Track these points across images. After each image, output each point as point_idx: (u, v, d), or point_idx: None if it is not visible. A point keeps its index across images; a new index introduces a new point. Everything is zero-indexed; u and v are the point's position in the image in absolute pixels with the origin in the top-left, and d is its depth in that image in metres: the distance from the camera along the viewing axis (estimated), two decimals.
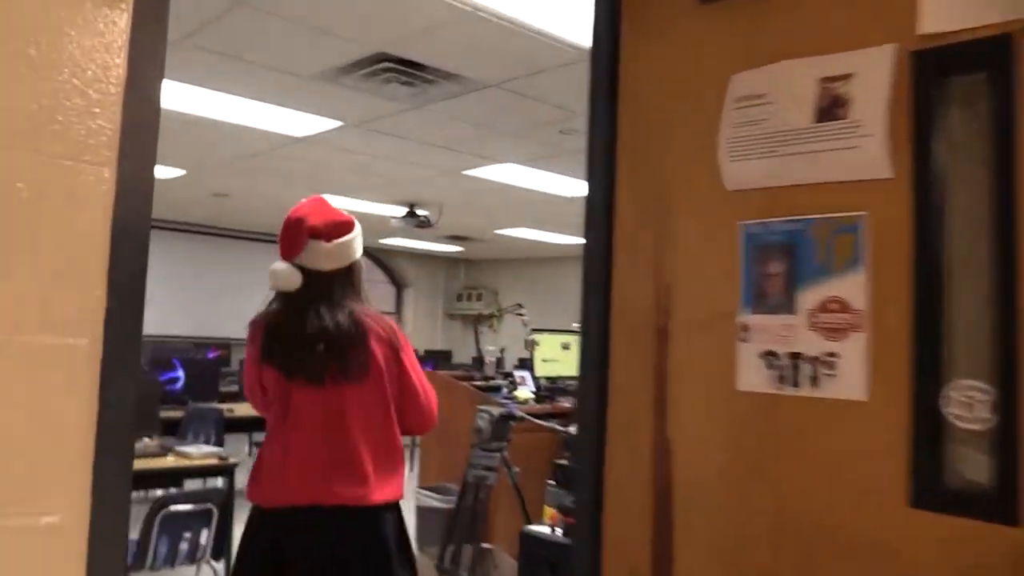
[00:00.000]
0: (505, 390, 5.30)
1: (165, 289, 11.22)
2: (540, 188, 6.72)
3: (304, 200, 2.34)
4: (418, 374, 2.35)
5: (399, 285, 13.62)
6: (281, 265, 2.22)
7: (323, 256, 2.24)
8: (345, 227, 2.30)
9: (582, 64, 1.69)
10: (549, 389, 5.69)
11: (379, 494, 2.21)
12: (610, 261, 1.60)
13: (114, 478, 0.95)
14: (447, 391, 5.22)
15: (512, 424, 3.29)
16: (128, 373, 0.97)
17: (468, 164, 5.98)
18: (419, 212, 7.82)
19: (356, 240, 2.35)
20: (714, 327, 1.40)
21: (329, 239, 2.24)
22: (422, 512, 4.86)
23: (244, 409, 6.86)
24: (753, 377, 1.34)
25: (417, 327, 13.61)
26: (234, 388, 7.42)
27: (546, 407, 5.21)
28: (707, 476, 1.40)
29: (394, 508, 2.28)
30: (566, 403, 5.40)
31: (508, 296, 12.94)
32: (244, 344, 2.36)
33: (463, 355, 13.24)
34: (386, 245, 12.39)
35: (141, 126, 1.01)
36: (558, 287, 12.36)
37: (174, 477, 4.67)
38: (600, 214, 1.62)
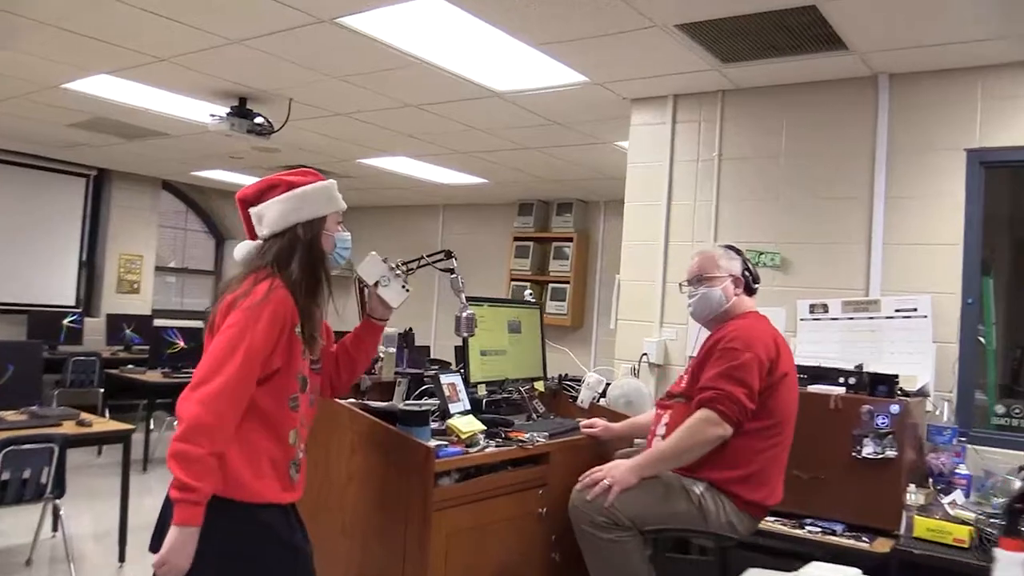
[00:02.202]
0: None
1: None
2: (466, 71, 4.17)
3: None
4: (212, 350, 1.86)
5: (221, 236, 10.54)
6: None
7: (255, 221, 2.12)
8: (272, 190, 2.12)
9: None
10: (494, 404, 3.22)
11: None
12: None
13: None
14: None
15: None
16: None
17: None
18: (255, 113, 5.03)
19: (283, 202, 2.09)
20: None
21: (256, 203, 2.13)
22: None
23: None
24: None
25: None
26: None
27: (510, 448, 2.73)
28: None
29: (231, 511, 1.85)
30: (536, 435, 2.92)
31: (365, 254, 10.23)
32: None
33: None
34: (201, 180, 9.30)
35: None
36: (436, 246, 9.77)
37: None
38: None
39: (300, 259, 2.04)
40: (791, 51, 3.53)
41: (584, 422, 3.09)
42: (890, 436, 3.02)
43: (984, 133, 3.48)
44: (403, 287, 2.37)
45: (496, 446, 2.69)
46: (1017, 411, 3.44)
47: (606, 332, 8.54)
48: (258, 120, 4.99)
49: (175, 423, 1.80)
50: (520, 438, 2.82)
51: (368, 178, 7.99)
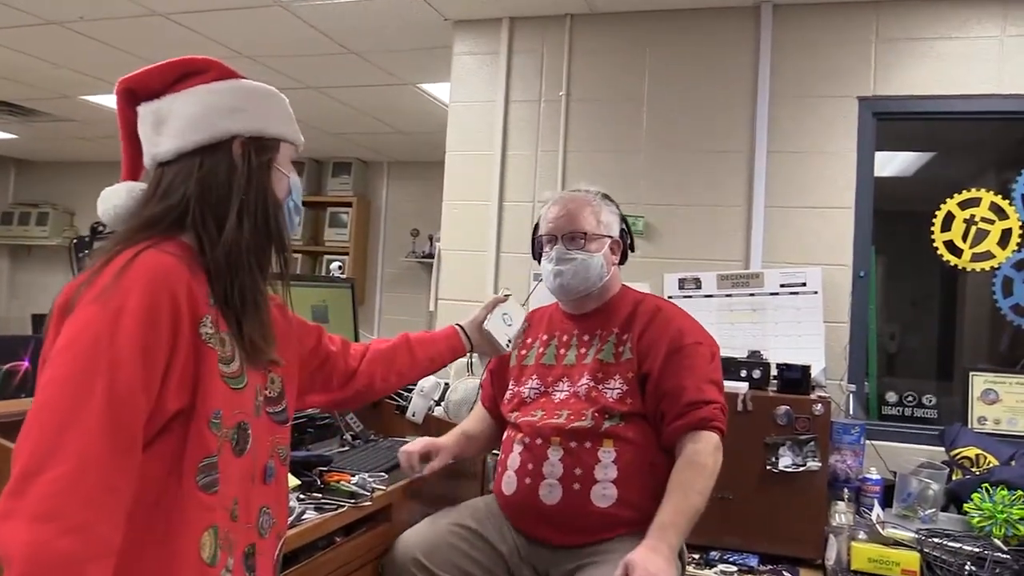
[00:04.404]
0: None
1: None
2: None
3: None
4: (37, 406, 0.96)
5: None
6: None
7: (150, 128, 1.21)
8: (194, 75, 1.22)
9: None
10: (297, 428, 2.20)
11: None
12: None
13: None
14: None
15: None
16: None
17: None
18: None
19: (212, 94, 1.21)
20: None
21: (156, 94, 1.22)
22: None
23: None
24: None
25: None
26: None
27: (339, 511, 1.75)
28: None
29: None
30: (369, 478, 1.96)
31: (89, 217, 8.50)
32: None
33: (17, 309, 8.52)
34: None
35: None
36: None
37: None
38: None
39: (238, 198, 1.16)
40: None
41: (411, 470, 2.08)
42: (812, 443, 2.42)
43: (880, 79, 3.01)
44: (508, 343, 1.86)
45: (316, 508, 1.70)
46: (910, 399, 3.03)
47: (393, 310, 7.63)
48: None
49: None
50: (347, 485, 1.86)
51: (96, 124, 6.36)
